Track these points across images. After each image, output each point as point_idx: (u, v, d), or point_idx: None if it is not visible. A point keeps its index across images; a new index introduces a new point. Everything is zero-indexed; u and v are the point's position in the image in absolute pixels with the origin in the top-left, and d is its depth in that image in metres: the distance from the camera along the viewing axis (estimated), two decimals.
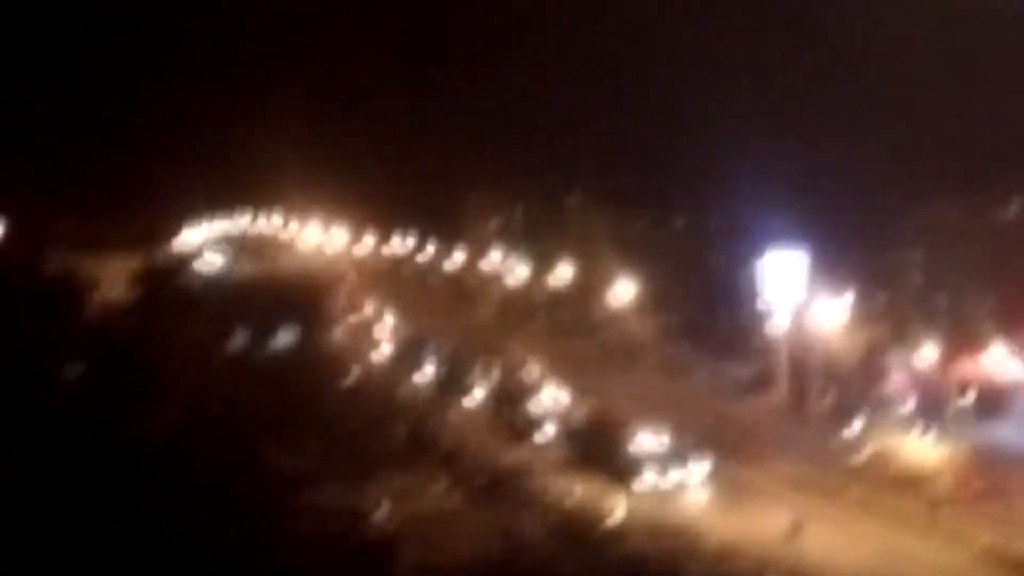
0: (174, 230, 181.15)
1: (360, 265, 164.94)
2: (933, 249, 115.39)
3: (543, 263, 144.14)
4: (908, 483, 72.28)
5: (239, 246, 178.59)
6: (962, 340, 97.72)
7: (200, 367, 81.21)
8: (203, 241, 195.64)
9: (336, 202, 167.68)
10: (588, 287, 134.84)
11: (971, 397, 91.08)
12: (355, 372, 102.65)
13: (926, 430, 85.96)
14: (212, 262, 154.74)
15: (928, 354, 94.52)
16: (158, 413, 71.64)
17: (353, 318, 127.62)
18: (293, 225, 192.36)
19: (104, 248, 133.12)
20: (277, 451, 69.67)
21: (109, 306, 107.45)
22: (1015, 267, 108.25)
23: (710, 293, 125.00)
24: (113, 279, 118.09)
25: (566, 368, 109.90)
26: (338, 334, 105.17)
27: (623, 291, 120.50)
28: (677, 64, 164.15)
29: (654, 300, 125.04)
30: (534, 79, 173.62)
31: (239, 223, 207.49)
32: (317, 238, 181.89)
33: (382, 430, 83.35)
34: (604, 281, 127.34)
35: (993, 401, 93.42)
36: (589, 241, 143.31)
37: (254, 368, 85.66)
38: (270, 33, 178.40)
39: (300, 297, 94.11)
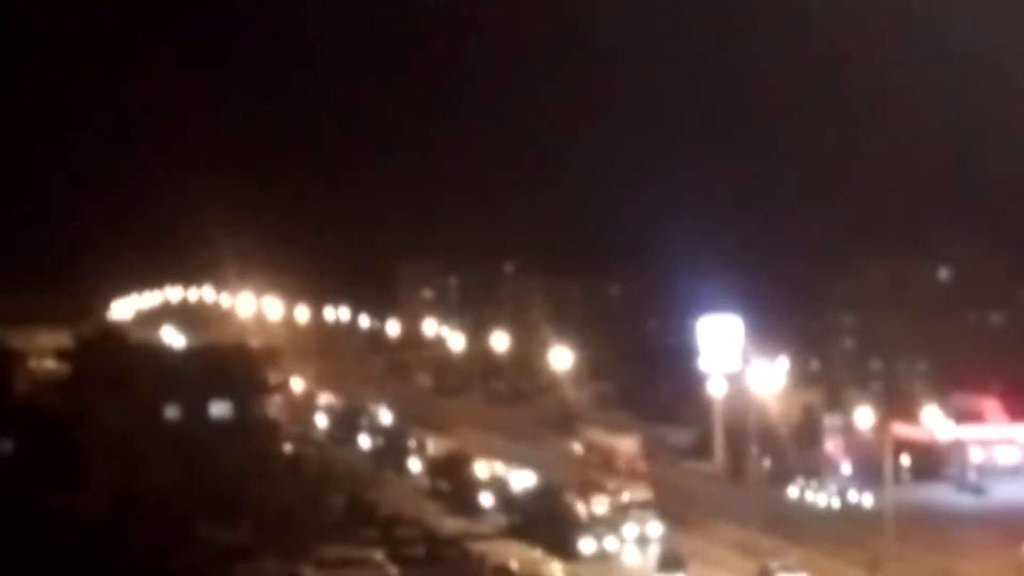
0: (104, 303, 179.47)
1: (296, 335, 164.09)
2: (867, 313, 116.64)
3: (479, 331, 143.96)
4: (848, 544, 72.46)
5: (175, 317, 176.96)
6: (897, 403, 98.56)
7: (133, 442, 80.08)
8: (135, 313, 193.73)
9: (270, 273, 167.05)
10: (524, 355, 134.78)
11: (908, 459, 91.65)
12: (292, 443, 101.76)
13: (862, 491, 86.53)
14: (152, 333, 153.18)
15: (863, 417, 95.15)
16: (89, 491, 70.49)
17: (290, 389, 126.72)
18: (227, 296, 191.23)
19: (31, 322, 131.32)
20: (212, 525, 68.71)
21: (39, 381, 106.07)
22: (947, 331, 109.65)
23: (646, 359, 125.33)
24: (41, 353, 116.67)
25: (502, 438, 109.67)
26: (275, 405, 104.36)
27: (559, 359, 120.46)
28: (612, 133, 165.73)
29: (590, 367, 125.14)
30: (467, 148, 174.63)
31: (172, 295, 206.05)
32: (252, 308, 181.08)
33: (319, 501, 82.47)
34: (540, 349, 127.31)
35: (930, 462, 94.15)
36: (525, 309, 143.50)
37: (189, 441, 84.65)
38: (202, 107, 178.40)
39: (237, 368, 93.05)
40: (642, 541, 74.37)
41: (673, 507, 79.82)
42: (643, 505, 78.08)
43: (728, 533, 77.07)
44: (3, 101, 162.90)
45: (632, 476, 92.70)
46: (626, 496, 79.70)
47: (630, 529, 74.61)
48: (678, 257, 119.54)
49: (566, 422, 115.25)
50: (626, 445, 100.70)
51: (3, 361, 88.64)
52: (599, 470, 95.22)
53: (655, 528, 75.24)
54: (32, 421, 79.68)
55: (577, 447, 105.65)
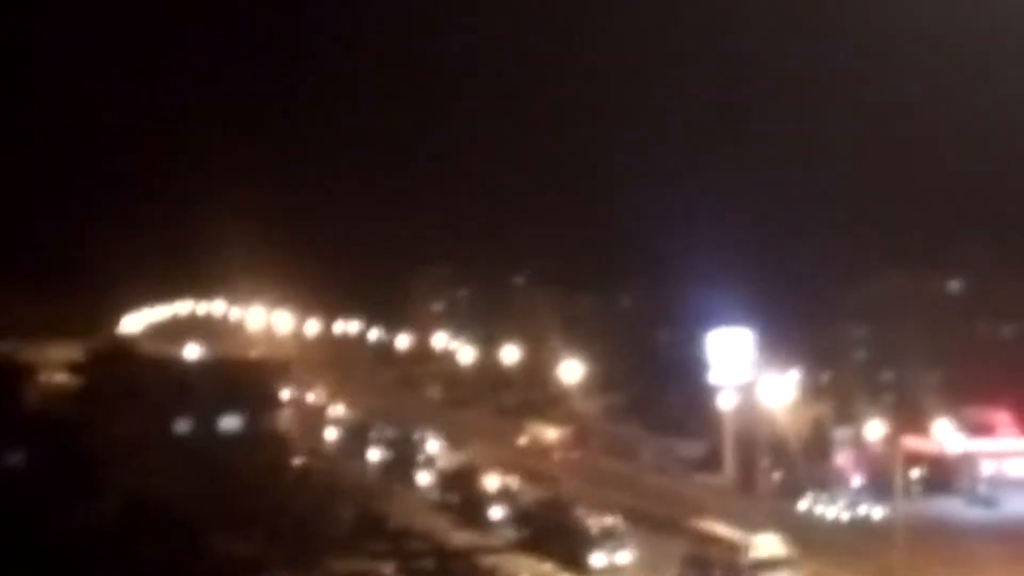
0: (115, 316, 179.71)
1: (307, 348, 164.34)
2: (878, 325, 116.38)
3: (490, 343, 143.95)
4: (858, 557, 72.36)
5: (185, 331, 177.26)
6: (908, 415, 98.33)
7: (144, 454, 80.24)
8: (146, 327, 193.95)
9: (281, 286, 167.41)
10: (535, 367, 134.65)
11: (919, 472, 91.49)
12: (302, 456, 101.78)
13: (873, 504, 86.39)
14: (163, 347, 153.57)
15: (874, 430, 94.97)
16: (100, 502, 70.58)
17: (300, 402, 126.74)
18: (238, 309, 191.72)
19: (43, 335, 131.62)
20: (222, 537, 68.72)
21: (50, 393, 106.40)
22: (959, 343, 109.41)
23: (657, 371, 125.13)
24: (52, 366, 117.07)
25: (512, 450, 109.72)
26: (285, 418, 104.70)
27: (570, 371, 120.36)
28: (620, 145, 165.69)
29: (601, 379, 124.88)
30: (477, 160, 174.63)
31: (182, 308, 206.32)
32: (263, 321, 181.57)
33: (329, 513, 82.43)
34: (550, 361, 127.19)
35: (940, 475, 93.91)
36: (535, 321, 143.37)
37: (201, 453, 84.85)
38: (210, 123, 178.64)
39: (247, 381, 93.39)
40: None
41: (681, 519, 79.54)
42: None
43: None
44: (12, 112, 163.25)
45: (565, 464, 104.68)
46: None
47: None
48: (689, 269, 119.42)
49: (516, 420, 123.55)
50: (560, 437, 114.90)
51: (14, 374, 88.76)
52: (538, 458, 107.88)
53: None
54: (43, 433, 79.79)
55: (523, 440, 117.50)
